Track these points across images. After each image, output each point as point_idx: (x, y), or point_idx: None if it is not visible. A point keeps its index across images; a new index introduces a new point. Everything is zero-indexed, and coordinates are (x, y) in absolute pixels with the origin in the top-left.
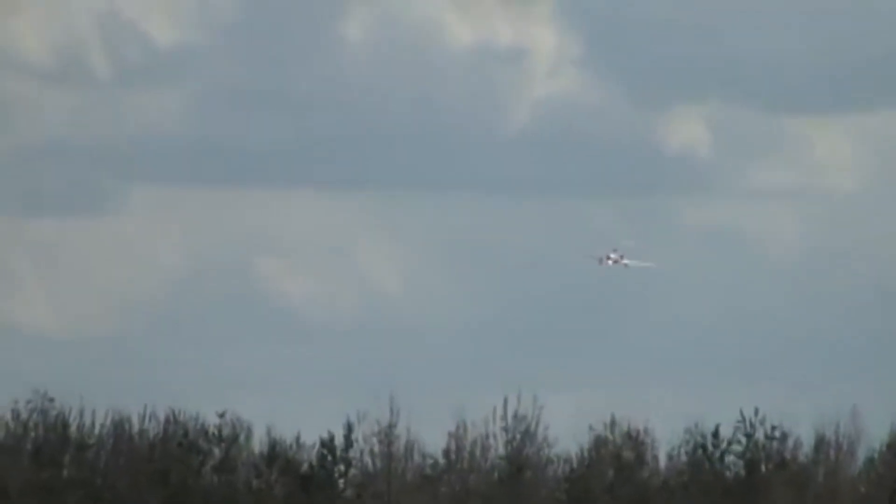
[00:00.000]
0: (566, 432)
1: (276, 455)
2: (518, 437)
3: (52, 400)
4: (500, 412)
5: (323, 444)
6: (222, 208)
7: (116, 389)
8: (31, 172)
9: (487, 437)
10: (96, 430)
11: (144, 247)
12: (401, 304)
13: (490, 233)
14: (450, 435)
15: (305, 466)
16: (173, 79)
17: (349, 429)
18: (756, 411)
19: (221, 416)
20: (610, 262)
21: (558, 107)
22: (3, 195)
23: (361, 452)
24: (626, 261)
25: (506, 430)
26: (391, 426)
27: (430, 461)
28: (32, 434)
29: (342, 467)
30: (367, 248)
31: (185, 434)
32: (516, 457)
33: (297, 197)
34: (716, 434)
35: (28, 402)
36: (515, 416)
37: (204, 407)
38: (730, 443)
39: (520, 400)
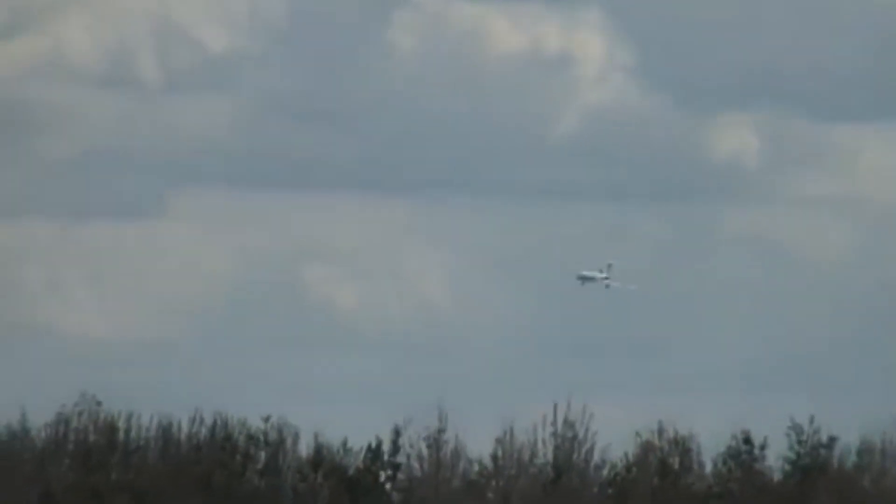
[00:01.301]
0: (614, 439)
1: (322, 459)
2: (566, 443)
3: (99, 403)
4: (549, 418)
5: (370, 449)
6: (271, 213)
7: (164, 393)
8: (81, 177)
9: (535, 443)
10: (143, 434)
11: (193, 252)
12: (449, 310)
13: (538, 239)
14: (497, 441)
15: (352, 471)
16: (223, 84)
17: (397, 434)
18: (812, 419)
19: (267, 420)
20: (591, 279)
21: (606, 113)
22: (53, 200)
23: (409, 458)
24: (608, 282)
25: (555, 436)
26: (439, 431)
27: (476, 467)
28: (80, 437)
29: (389, 472)
30: (415, 254)
31: (229, 438)
32: (563, 463)
33: (346, 202)
34: (762, 442)
35: (76, 405)
36: (565, 422)
37: (251, 412)
38: (765, 448)
39: (569, 406)
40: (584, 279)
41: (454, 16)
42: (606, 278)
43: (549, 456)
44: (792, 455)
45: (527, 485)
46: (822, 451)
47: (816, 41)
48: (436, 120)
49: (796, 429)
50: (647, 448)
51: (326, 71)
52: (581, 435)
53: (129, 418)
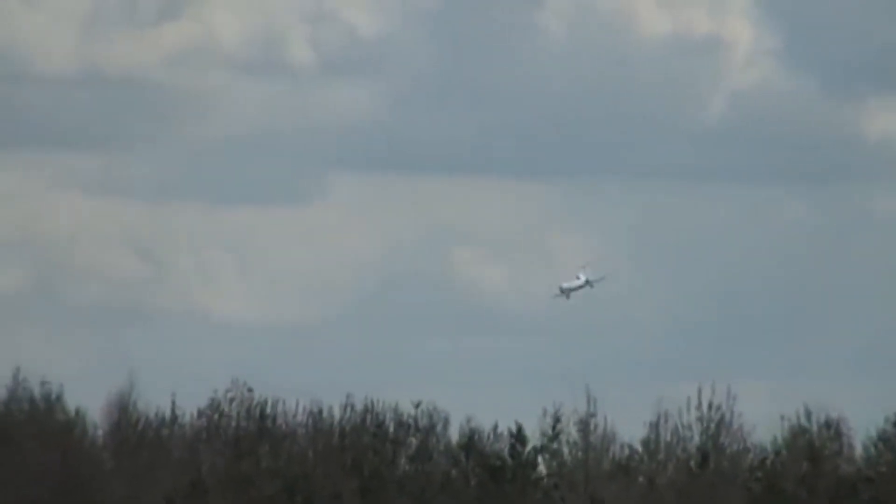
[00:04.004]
0: (759, 422)
1: (473, 445)
2: (713, 427)
3: (251, 390)
4: (694, 402)
5: (516, 433)
6: (421, 198)
7: (314, 379)
8: (230, 162)
9: (683, 427)
10: (294, 420)
11: (342, 236)
12: (596, 294)
13: (685, 222)
14: (649, 425)
15: (498, 456)
16: (373, 68)
17: (556, 420)
18: None
19: (417, 405)
20: (571, 290)
21: (754, 97)
22: (202, 185)
23: (558, 442)
24: (591, 281)
25: (700, 419)
26: (589, 416)
27: (627, 451)
28: (231, 424)
29: (538, 457)
30: (563, 238)
31: (379, 424)
32: (709, 447)
33: (496, 186)
34: None
35: (227, 391)
36: (710, 405)
37: (402, 397)
38: None
39: (714, 389)
40: (566, 291)
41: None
42: (588, 281)
43: (697, 439)
44: None
45: (674, 468)
46: None
47: None
48: (583, 104)
49: None
50: (797, 431)
51: (475, 55)
52: (727, 418)
53: (279, 404)
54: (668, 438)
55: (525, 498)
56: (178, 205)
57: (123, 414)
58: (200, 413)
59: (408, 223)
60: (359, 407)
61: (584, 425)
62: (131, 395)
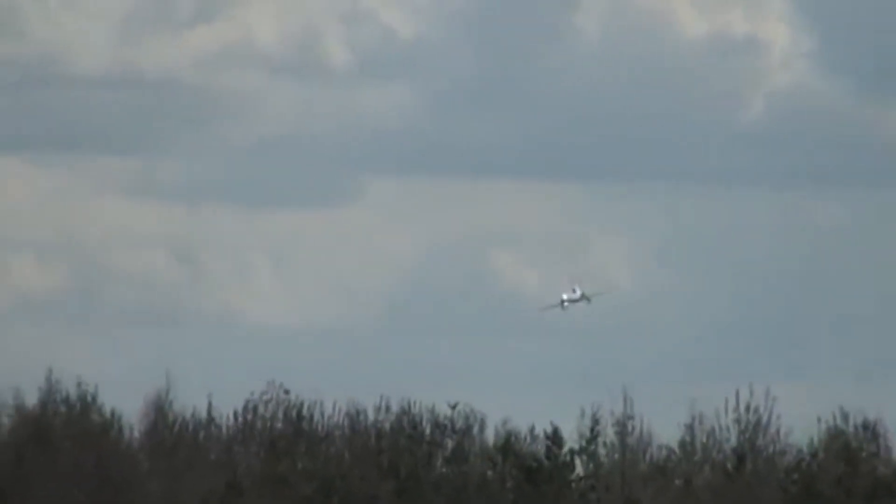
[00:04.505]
0: (797, 424)
1: (510, 446)
2: (750, 428)
3: (287, 392)
4: (731, 404)
5: (552, 435)
6: (457, 200)
7: (351, 381)
8: (266, 164)
9: (720, 429)
10: (330, 422)
11: (378, 238)
12: (633, 296)
13: (722, 225)
14: (685, 427)
15: (535, 458)
16: (410, 70)
17: (595, 421)
18: None
19: (454, 407)
20: (567, 303)
21: (791, 99)
22: (238, 187)
23: (595, 444)
24: (587, 295)
25: (738, 421)
26: (627, 417)
27: (664, 452)
28: (267, 426)
29: (574, 459)
30: (600, 240)
31: (416, 426)
32: (746, 448)
33: (532, 189)
34: None
35: (263, 393)
36: (748, 407)
37: (438, 399)
38: None
39: (752, 391)
40: (565, 303)
41: (639, 1)
42: (584, 295)
43: (734, 441)
44: None
45: (710, 470)
46: None
47: None
48: (620, 106)
49: None
50: (834, 433)
51: (511, 57)
52: (765, 420)
53: (315, 406)
54: (704, 440)
55: (561, 500)
56: (215, 207)
57: (160, 415)
58: (236, 415)
59: (444, 225)
60: (395, 408)
61: (622, 427)
62: (168, 396)
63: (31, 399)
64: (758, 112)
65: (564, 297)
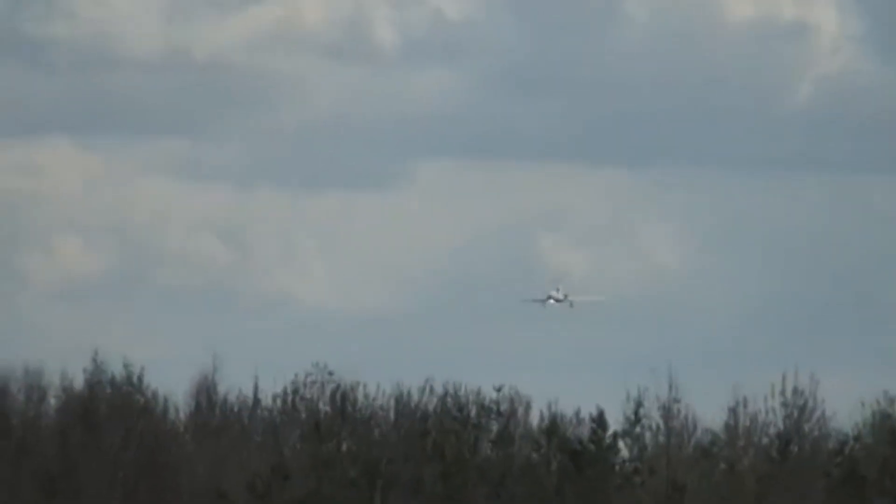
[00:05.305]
0: (841, 408)
1: (555, 429)
2: (795, 413)
3: (331, 374)
4: (777, 388)
5: (597, 418)
6: (504, 184)
7: (395, 363)
8: (315, 148)
9: (765, 412)
10: (375, 404)
11: (426, 222)
12: (679, 280)
13: (770, 209)
14: (729, 410)
15: (580, 441)
16: (457, 54)
17: (639, 404)
18: None
19: (499, 390)
20: (552, 301)
21: (839, 83)
22: (287, 171)
23: (640, 427)
24: (570, 298)
25: (784, 405)
26: (672, 401)
27: (710, 436)
28: (312, 408)
29: (619, 442)
30: (646, 224)
31: (461, 409)
32: (792, 433)
33: (581, 173)
34: None
35: (308, 375)
36: (794, 391)
37: (483, 381)
38: None
39: (797, 375)
40: (548, 299)
41: None
42: (566, 297)
43: (780, 425)
44: None
45: (754, 454)
46: None
47: None
48: (667, 90)
49: None
50: (878, 418)
51: (558, 42)
52: (810, 404)
53: (360, 388)
54: (747, 423)
55: (606, 483)
56: (263, 190)
57: (206, 397)
58: (281, 397)
59: (491, 209)
60: (440, 391)
61: (667, 410)
62: (214, 378)
63: (78, 380)
64: (807, 97)
65: (552, 293)
